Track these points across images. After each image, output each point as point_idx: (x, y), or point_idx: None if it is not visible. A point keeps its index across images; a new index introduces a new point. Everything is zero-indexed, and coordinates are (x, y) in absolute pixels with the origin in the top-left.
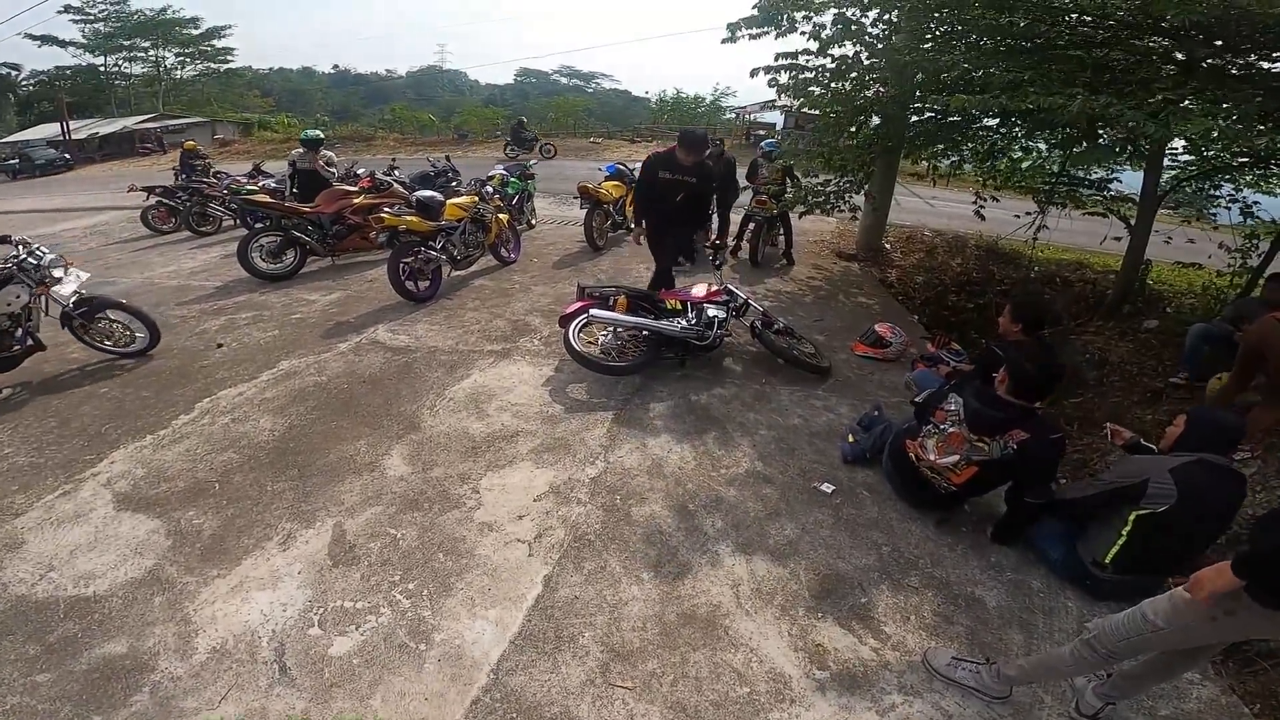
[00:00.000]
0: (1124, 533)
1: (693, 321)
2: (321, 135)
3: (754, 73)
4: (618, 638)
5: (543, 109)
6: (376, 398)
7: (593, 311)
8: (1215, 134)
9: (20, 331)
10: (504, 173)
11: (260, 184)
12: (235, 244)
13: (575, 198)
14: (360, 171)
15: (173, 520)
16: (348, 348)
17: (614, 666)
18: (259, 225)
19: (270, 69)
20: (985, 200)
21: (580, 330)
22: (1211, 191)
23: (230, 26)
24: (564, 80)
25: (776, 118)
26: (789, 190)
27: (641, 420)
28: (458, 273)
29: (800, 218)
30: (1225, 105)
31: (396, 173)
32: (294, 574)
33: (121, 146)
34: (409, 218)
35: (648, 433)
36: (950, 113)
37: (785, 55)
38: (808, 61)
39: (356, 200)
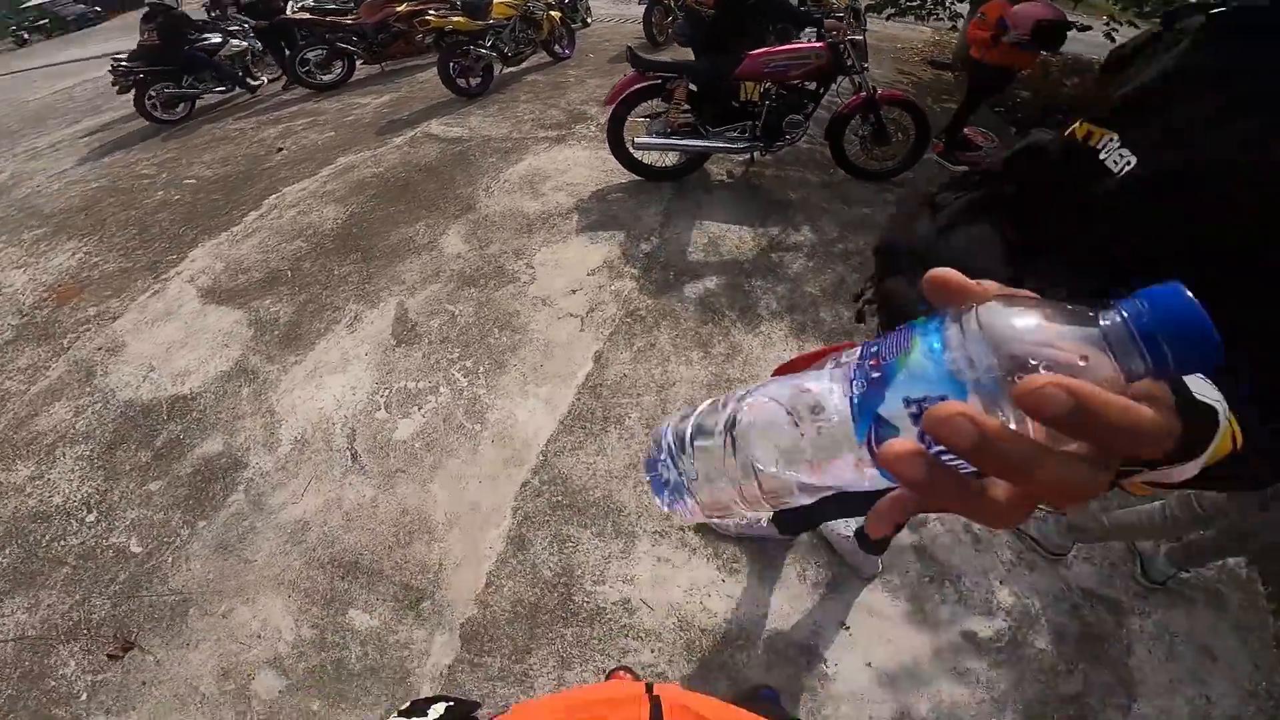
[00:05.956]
0: None
1: (757, 126)
2: None
3: None
4: None
5: None
6: (433, 184)
7: (636, 140)
8: None
9: None
10: None
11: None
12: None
13: None
14: None
15: (252, 310)
16: (402, 141)
17: None
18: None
19: None
20: (1119, 24)
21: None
22: None
23: None
24: None
25: None
26: None
27: (700, 200)
28: (510, 69)
29: (887, 19)
30: None
31: None
32: (361, 355)
33: None
34: (455, 18)
35: (704, 211)
36: None
37: None
38: None
39: (399, 8)
